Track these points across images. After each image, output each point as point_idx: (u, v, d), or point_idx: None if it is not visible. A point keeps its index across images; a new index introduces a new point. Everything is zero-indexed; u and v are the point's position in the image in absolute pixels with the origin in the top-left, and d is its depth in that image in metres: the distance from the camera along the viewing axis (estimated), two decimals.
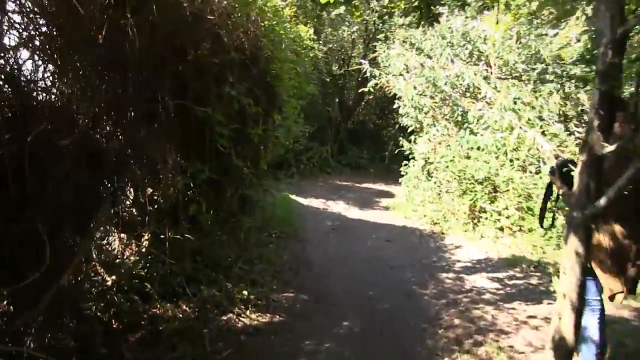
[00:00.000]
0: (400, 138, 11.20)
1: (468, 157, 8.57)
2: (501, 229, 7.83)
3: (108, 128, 3.28)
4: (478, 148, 8.32)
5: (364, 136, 18.76)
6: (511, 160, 8.01)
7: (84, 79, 2.94)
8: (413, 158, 10.67)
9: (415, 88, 9.96)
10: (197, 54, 4.21)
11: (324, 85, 16.31)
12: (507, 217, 7.71)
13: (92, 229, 3.08)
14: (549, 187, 3.71)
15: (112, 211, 3.40)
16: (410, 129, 10.54)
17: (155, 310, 3.46)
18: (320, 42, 15.06)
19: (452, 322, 4.53)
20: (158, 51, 3.58)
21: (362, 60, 11.38)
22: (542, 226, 3.90)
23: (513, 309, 4.92)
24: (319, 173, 14.19)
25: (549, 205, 3.75)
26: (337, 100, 16.93)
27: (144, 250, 3.65)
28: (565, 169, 3.34)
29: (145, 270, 3.70)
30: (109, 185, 3.28)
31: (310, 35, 7.30)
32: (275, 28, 5.48)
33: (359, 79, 16.32)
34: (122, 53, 3.09)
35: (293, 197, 10.20)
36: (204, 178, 4.32)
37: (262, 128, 5.45)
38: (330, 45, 15.83)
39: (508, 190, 7.78)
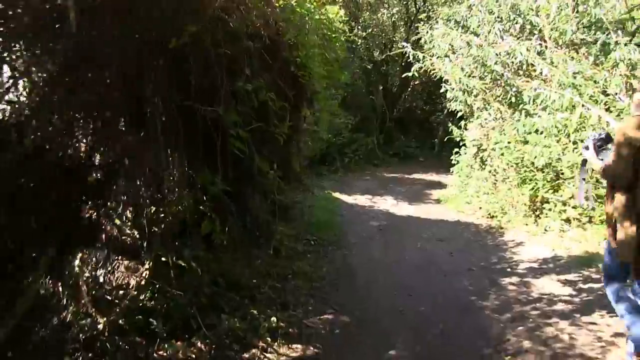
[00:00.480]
0: (450, 124, 10.43)
1: (526, 142, 7.72)
2: (568, 220, 6.99)
3: (86, 135, 2.76)
4: (536, 131, 7.47)
5: (411, 124, 17.96)
6: (574, 143, 7.14)
7: (49, 77, 2.43)
8: (464, 145, 9.87)
9: (462, 70, 9.15)
10: (199, 42, 3.66)
11: (365, 73, 15.62)
12: (574, 208, 6.85)
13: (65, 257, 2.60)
14: (584, 163, 3.63)
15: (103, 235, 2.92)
16: (459, 114, 9.74)
17: (161, 352, 2.95)
18: (359, 27, 14.36)
19: (520, 345, 3.81)
20: (145, 41, 3.04)
21: (404, 43, 10.60)
22: (581, 205, 4.00)
23: (594, 323, 4.13)
24: (365, 165, 13.54)
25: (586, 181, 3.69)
26: (381, 87, 16.20)
27: (143, 280, 3.14)
28: (600, 143, 3.37)
29: (151, 303, 3.20)
30: (92, 203, 2.78)
31: (340, 16, 6.63)
32: (297, 9, 4.86)
33: (403, 64, 15.50)
34: (97, 43, 2.57)
35: (337, 195, 9.61)
36: (217, 190, 3.77)
37: (288, 125, 4.86)
38: (370, 30, 15.06)
39: (573, 177, 6.91)
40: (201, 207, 3.95)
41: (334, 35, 6.04)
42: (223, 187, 3.87)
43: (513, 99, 8.39)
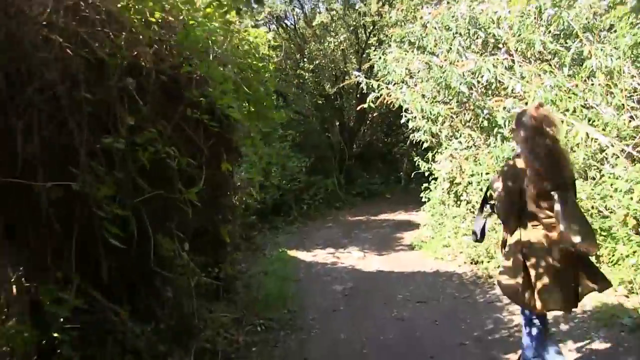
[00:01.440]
0: (414, 155, 9.25)
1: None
2: None
3: None
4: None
5: (373, 159, 16.80)
6: None
7: None
8: (435, 179, 8.65)
9: (423, 96, 8.02)
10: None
11: (318, 109, 14.45)
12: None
13: None
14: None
15: None
16: (425, 145, 8.53)
17: None
18: (306, 59, 13.23)
19: None
20: None
21: (356, 73, 9.45)
22: (477, 239, 3.65)
23: None
24: (326, 210, 12.18)
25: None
26: (337, 123, 15.02)
27: None
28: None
29: None
30: None
31: (268, 40, 5.33)
32: (196, 32, 3.51)
33: (358, 95, 14.41)
34: None
35: (293, 253, 8.17)
36: (67, 310, 2.34)
37: (197, 188, 3.44)
38: (318, 62, 13.94)
39: None
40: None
41: (261, 65, 4.71)
42: (80, 302, 2.43)
43: (485, 123, 7.22)
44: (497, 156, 6.53)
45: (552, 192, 2.81)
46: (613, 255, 5.29)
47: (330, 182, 13.01)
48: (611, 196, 5.54)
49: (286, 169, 10.71)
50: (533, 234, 2.94)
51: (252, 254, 7.77)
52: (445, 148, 8.09)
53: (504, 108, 6.46)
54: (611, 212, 5.47)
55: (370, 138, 18.02)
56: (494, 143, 6.92)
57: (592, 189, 5.65)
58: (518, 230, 3.01)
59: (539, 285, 2.90)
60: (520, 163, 2.94)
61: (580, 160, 5.76)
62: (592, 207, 5.52)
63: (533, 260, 2.92)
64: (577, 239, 2.74)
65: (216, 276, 4.88)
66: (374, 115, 17.46)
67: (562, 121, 5.61)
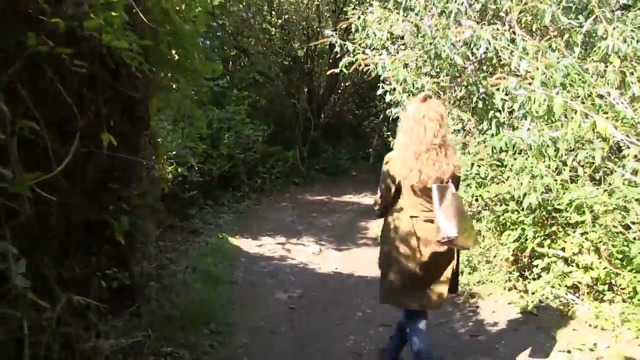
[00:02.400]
0: (386, 132, 7.97)
1: (501, 165, 5.33)
2: (575, 288, 4.61)
3: None
4: (520, 152, 5.08)
5: (341, 131, 15.48)
6: (574, 170, 4.80)
7: None
8: None
9: (406, 65, 6.68)
10: None
11: (285, 72, 12.92)
12: (587, 269, 4.47)
13: None
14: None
15: None
16: None
17: None
18: (274, 12, 11.64)
19: None
20: None
21: (328, 32, 8.00)
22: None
23: None
24: (284, 186, 10.83)
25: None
26: (305, 89, 13.55)
27: None
28: None
29: None
30: None
31: None
32: None
33: (330, 60, 12.93)
34: None
35: (237, 241, 6.82)
36: None
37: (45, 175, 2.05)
38: (288, 17, 12.32)
39: (584, 222, 4.52)
40: None
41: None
42: None
43: (480, 104, 5.96)
44: (494, 147, 5.26)
45: (430, 185, 2.79)
46: (635, 293, 4.15)
47: (292, 154, 11.63)
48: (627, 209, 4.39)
49: (241, 136, 9.26)
50: (407, 223, 2.92)
51: (184, 239, 6.40)
52: None
53: (505, 88, 5.17)
54: (628, 231, 4.33)
55: (341, 108, 16.64)
56: (489, 129, 5.69)
57: (608, 199, 4.46)
58: (394, 218, 2.99)
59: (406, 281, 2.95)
60: (401, 152, 2.90)
61: (598, 161, 4.56)
62: (612, 225, 4.33)
63: (403, 251, 2.93)
64: (452, 232, 2.69)
65: (118, 283, 3.54)
66: (347, 84, 16.08)
67: (576, 111, 4.41)
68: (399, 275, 2.95)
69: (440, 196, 2.75)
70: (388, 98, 7.11)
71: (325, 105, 14.39)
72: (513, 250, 5.01)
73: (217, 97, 9.01)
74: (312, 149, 12.99)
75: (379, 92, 7.20)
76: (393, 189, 2.93)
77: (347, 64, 7.23)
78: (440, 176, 2.81)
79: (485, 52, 5.58)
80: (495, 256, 5.20)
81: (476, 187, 5.34)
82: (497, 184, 5.25)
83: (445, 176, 2.83)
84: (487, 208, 5.43)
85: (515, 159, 5.14)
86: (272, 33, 12.08)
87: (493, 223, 5.25)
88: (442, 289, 2.98)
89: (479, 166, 5.40)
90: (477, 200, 5.38)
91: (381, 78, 6.91)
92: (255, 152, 9.75)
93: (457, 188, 2.94)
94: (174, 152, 6.60)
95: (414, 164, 2.80)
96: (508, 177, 5.14)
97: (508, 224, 5.09)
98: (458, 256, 3.02)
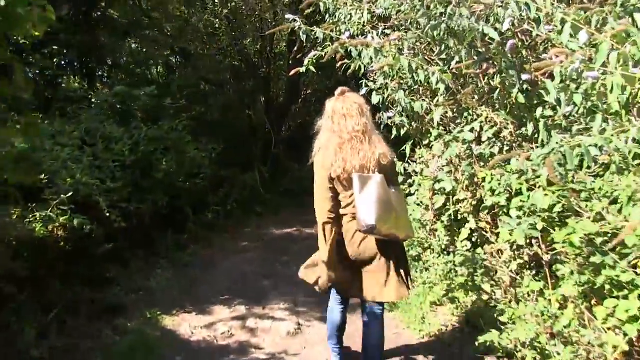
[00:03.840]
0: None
1: (576, 190, 3.33)
2: None
3: None
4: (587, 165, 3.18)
5: (304, 144, 13.34)
6: None
7: None
8: (410, 184, 5.45)
9: (400, 51, 4.70)
10: None
11: (237, 77, 10.78)
12: None
13: None
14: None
15: None
16: (402, 132, 5.27)
17: None
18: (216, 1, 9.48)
19: None
20: None
21: (289, 15, 5.90)
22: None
23: None
24: (243, 219, 8.66)
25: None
26: (262, 98, 11.44)
27: None
28: None
29: None
30: None
31: None
32: None
33: (290, 60, 10.89)
34: None
35: (171, 320, 4.60)
36: None
37: None
38: (234, 4, 9.91)
39: None
40: None
41: None
42: None
43: (521, 98, 4.00)
44: (564, 161, 3.25)
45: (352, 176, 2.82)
46: None
47: (250, 176, 9.51)
48: None
49: (183, 159, 7.07)
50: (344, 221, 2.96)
51: (91, 328, 4.17)
52: (436, 138, 4.86)
53: (562, 70, 3.16)
54: None
55: (303, 119, 14.59)
56: (535, 135, 3.80)
57: None
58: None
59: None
60: (324, 150, 2.93)
61: None
62: None
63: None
64: (370, 220, 2.71)
65: None
66: (308, 91, 14.08)
67: None
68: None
69: (361, 185, 2.76)
70: (375, 99, 5.16)
71: (286, 116, 12.31)
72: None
73: (149, 111, 6.82)
74: (275, 168, 10.88)
75: (362, 92, 5.23)
76: (329, 190, 2.87)
77: (314, 60, 5.23)
78: (365, 164, 2.84)
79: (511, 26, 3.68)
80: (591, 345, 3.17)
81: (547, 225, 3.32)
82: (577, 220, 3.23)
83: (370, 164, 2.84)
84: (560, 260, 3.42)
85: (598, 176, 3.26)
86: (217, 27, 9.84)
87: (580, 286, 3.24)
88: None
89: (530, 189, 3.40)
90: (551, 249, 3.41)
91: (361, 73, 4.99)
92: (204, 179, 7.56)
93: (393, 179, 3.01)
94: (71, 190, 4.41)
95: (338, 155, 2.82)
96: (592, 208, 3.16)
97: (608, 287, 3.09)
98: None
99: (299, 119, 14.37)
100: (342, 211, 2.92)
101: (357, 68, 4.83)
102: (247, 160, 9.89)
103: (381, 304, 3.13)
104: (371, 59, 4.50)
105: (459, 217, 4.73)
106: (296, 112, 13.19)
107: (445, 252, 4.87)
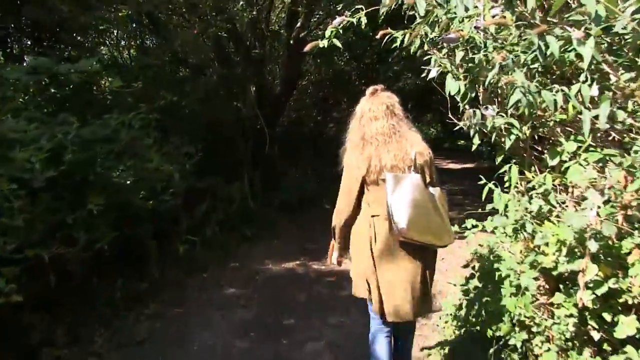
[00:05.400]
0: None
1: None
2: None
3: None
4: None
5: (301, 144, 11.23)
6: None
7: None
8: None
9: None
10: None
11: (223, 60, 8.45)
12: None
13: None
14: None
15: None
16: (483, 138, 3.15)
17: None
18: None
19: None
20: None
21: None
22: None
23: None
24: (227, 247, 6.44)
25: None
26: (253, 88, 9.15)
27: None
28: None
29: None
30: None
31: None
32: None
33: (292, 40, 8.67)
34: None
35: None
36: None
37: None
38: None
39: None
40: None
41: None
42: None
43: None
44: None
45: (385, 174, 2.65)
46: None
47: (238, 187, 7.27)
48: None
49: (144, 169, 4.79)
50: (364, 223, 2.77)
51: None
52: (577, 156, 2.73)
53: None
54: None
55: (298, 114, 12.37)
56: None
57: None
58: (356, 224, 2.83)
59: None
60: (351, 150, 2.81)
61: None
62: None
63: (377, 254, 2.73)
64: (401, 223, 2.55)
65: None
66: (303, 83, 11.91)
67: None
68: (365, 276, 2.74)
69: (395, 184, 2.61)
70: (454, 88, 3.07)
71: (283, 109, 10.04)
72: None
73: (84, 98, 4.55)
74: (267, 174, 8.64)
75: (433, 73, 3.21)
76: (356, 188, 2.72)
77: (340, 29, 3.22)
78: (397, 164, 2.69)
79: None
80: None
81: None
82: None
83: (403, 164, 2.70)
84: None
85: None
86: None
87: None
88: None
89: None
90: None
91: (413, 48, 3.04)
92: (174, 195, 5.29)
93: (432, 178, 2.81)
94: None
95: (363, 155, 2.72)
96: None
97: None
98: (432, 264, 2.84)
99: (292, 114, 12.18)
100: (373, 211, 2.70)
101: (409, 42, 3.22)
102: (234, 166, 7.63)
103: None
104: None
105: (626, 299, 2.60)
106: (290, 105, 10.94)
107: None
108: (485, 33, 2.85)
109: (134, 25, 7.85)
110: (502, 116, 2.98)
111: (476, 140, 3.11)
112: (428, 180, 2.76)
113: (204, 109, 7.47)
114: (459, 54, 3.09)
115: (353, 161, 2.73)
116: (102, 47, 8.21)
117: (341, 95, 14.23)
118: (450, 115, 3.35)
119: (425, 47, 3.32)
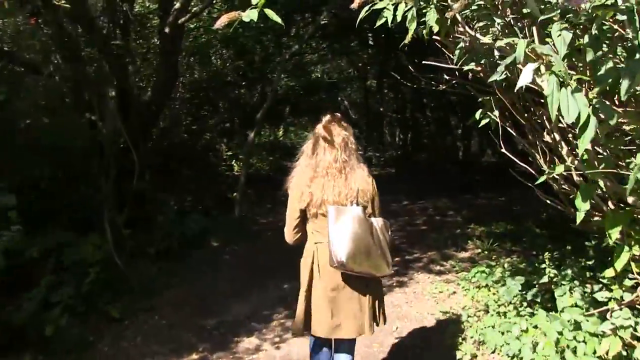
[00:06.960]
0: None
1: None
2: None
3: None
4: None
5: (183, 159, 9.13)
6: None
7: None
8: None
9: None
10: None
11: (70, 57, 5.95)
12: None
13: None
14: None
15: None
16: None
17: None
18: None
19: None
20: None
21: None
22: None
23: None
24: (80, 344, 4.17)
25: None
26: (113, 92, 6.72)
27: None
28: None
29: None
30: None
31: None
32: None
33: (168, 27, 6.50)
34: None
35: None
36: None
37: None
38: None
39: None
40: None
41: None
42: None
43: None
44: None
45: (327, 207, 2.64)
46: None
47: (94, 242, 4.95)
48: None
49: None
50: (310, 251, 2.77)
51: None
52: None
53: None
54: None
55: (172, 123, 10.03)
56: None
57: None
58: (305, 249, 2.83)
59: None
60: (298, 176, 2.79)
61: None
62: None
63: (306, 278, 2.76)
64: (340, 256, 2.52)
65: None
66: (177, 81, 9.66)
67: None
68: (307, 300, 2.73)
69: (336, 217, 2.60)
70: (573, 110, 1.26)
71: (154, 122, 7.70)
72: None
73: None
74: (136, 213, 6.32)
75: (528, 77, 1.41)
76: (297, 217, 2.74)
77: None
78: (340, 200, 2.66)
79: None
80: None
81: None
82: None
83: (346, 200, 2.66)
84: None
85: None
86: None
87: None
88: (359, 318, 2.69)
89: None
90: None
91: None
92: None
93: (374, 210, 2.78)
94: None
95: (308, 187, 2.69)
96: None
97: None
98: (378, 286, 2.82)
99: (161, 123, 9.84)
100: (317, 239, 2.72)
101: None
102: (89, 210, 5.27)
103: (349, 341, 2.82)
104: None
105: None
106: (169, 115, 8.65)
107: None
108: None
109: None
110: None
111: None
112: (370, 212, 2.72)
113: (40, 124, 5.01)
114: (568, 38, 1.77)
115: (296, 193, 2.70)
116: None
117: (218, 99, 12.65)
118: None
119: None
